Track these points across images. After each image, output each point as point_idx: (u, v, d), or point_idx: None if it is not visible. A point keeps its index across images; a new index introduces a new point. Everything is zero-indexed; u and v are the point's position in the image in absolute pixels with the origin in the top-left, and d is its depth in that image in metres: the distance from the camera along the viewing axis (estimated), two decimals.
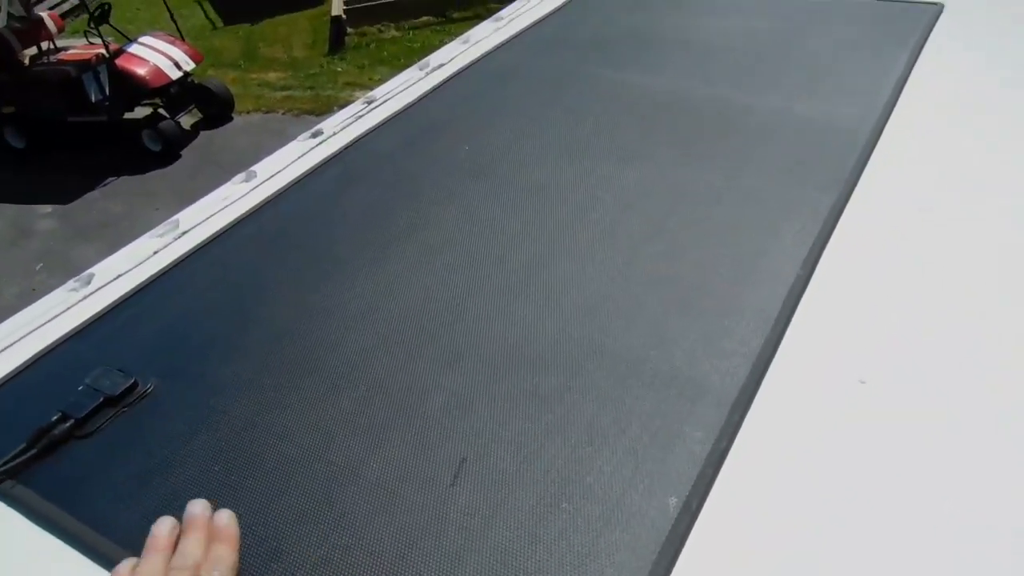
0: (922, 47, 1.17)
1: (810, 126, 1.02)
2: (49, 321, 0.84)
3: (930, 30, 1.22)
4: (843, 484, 0.58)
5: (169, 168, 6.20)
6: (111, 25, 6.16)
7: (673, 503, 0.58)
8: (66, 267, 5.16)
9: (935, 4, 1.30)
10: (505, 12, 1.53)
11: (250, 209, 0.99)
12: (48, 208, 5.94)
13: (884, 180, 0.90)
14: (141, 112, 6.27)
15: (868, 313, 0.73)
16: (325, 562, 0.56)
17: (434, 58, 1.36)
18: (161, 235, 0.97)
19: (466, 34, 1.45)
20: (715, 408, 0.65)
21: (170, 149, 6.20)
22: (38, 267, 5.27)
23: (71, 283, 0.90)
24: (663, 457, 0.61)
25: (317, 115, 6.70)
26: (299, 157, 1.11)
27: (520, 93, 1.21)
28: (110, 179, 6.16)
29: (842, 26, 1.29)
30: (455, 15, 7.98)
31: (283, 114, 6.87)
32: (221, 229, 0.96)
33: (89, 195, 6.03)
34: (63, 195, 6.02)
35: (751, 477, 0.59)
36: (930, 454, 0.59)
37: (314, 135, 1.16)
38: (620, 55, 1.30)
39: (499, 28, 1.46)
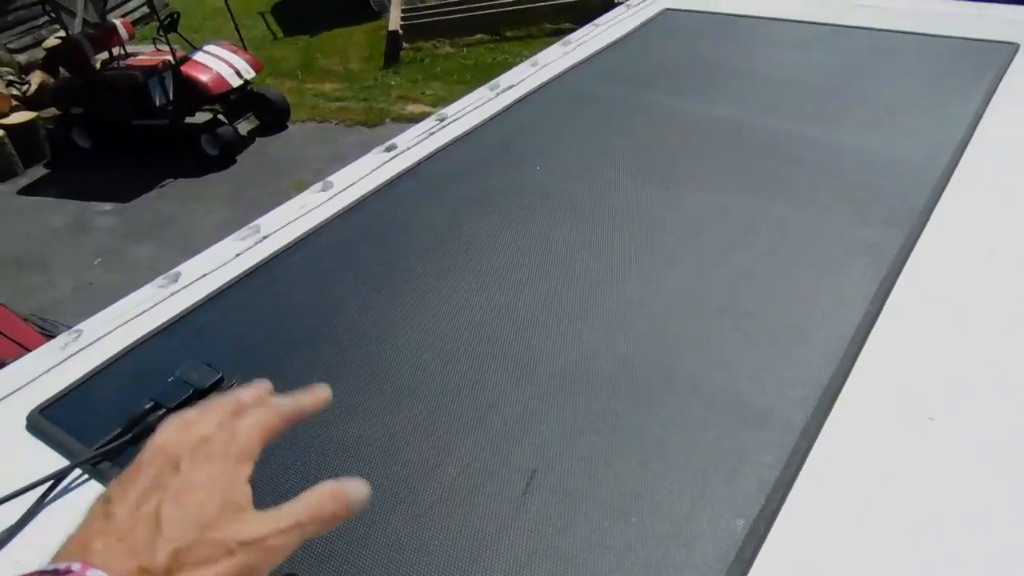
0: (996, 87, 1.17)
1: (879, 163, 1.03)
2: (140, 315, 0.89)
3: (1005, 70, 1.22)
4: (908, 518, 0.59)
5: (224, 172, 6.40)
6: (178, 33, 6.41)
7: (740, 525, 0.59)
8: (123, 263, 5.35)
9: (1011, 44, 1.29)
10: (574, 36, 1.56)
11: (327, 218, 1.03)
12: (108, 206, 6.16)
13: (953, 220, 0.91)
14: (201, 117, 6.48)
15: (936, 351, 0.73)
16: (399, 561, 0.59)
17: (504, 79, 1.40)
18: (243, 238, 1.02)
19: (535, 57, 1.49)
20: (783, 436, 0.66)
21: (227, 154, 6.39)
22: (96, 262, 5.46)
23: (159, 280, 0.95)
24: (731, 480, 0.63)
25: (369, 127, 6.85)
26: (374, 170, 1.15)
27: (588, 117, 1.24)
28: (168, 181, 6.37)
29: (915, 63, 1.29)
30: (508, 34, 8.09)
31: (336, 124, 7.04)
32: (299, 236, 1.00)
33: (147, 195, 6.24)
34: (123, 194, 6.25)
35: (818, 506, 0.60)
36: (997, 493, 0.60)
37: (388, 149, 1.20)
38: (686, 84, 1.32)
39: (567, 52, 1.49)
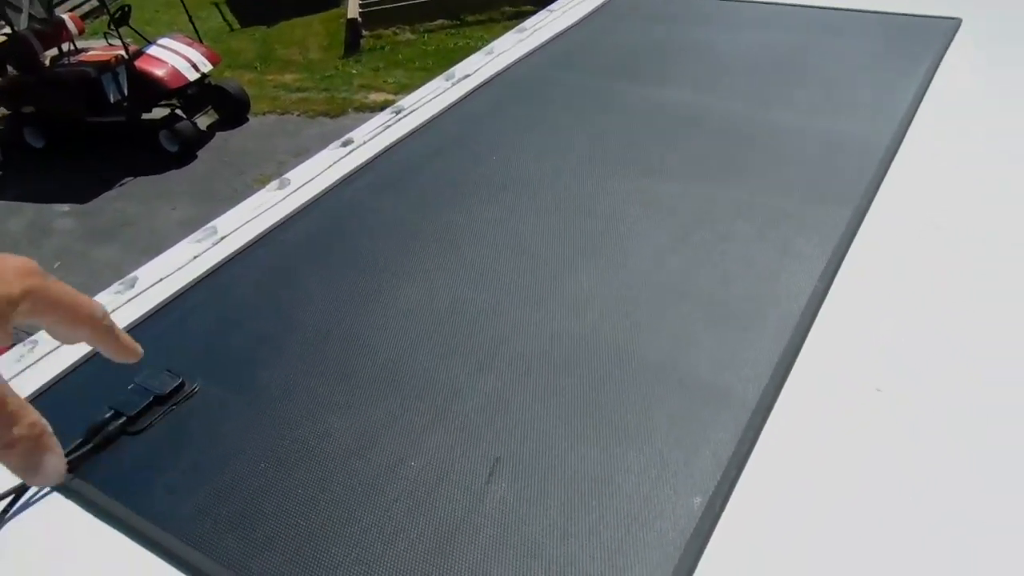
0: (939, 62, 1.20)
1: (827, 142, 1.05)
2: None
3: (947, 45, 1.24)
4: (859, 487, 0.61)
5: (185, 168, 6.29)
6: (130, 27, 6.25)
7: (697, 503, 0.61)
8: (84, 265, 5.25)
9: (952, 19, 1.32)
10: (528, 23, 1.56)
11: (284, 216, 1.03)
12: (66, 207, 6.03)
13: (900, 195, 0.93)
14: (158, 113, 6.35)
15: (884, 325, 0.76)
16: (368, 553, 0.60)
17: (459, 69, 1.40)
18: (199, 240, 1.01)
19: (490, 45, 1.49)
20: (738, 413, 0.68)
21: (187, 150, 6.28)
22: (56, 265, 5.34)
23: (116, 286, 0.94)
24: (688, 459, 0.65)
25: (332, 117, 6.77)
26: (331, 165, 1.14)
27: (544, 105, 1.24)
28: (127, 179, 6.25)
29: (861, 41, 1.31)
30: (469, 18, 8.04)
31: (298, 116, 6.95)
32: (258, 235, 1.00)
33: (106, 194, 6.12)
34: (81, 194, 6.11)
35: (772, 479, 0.63)
36: (943, 460, 0.62)
37: (344, 144, 1.20)
38: (641, 69, 1.33)
39: (522, 39, 1.50)
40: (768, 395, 0.69)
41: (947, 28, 1.30)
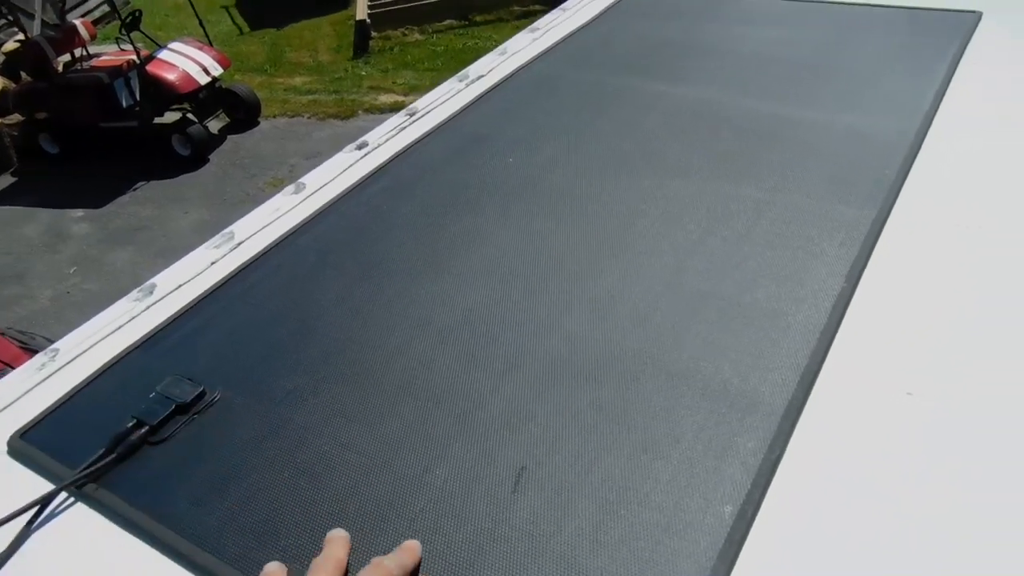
0: (961, 57, 1.18)
1: (850, 139, 1.03)
2: (117, 330, 0.88)
3: (969, 39, 1.23)
4: (893, 494, 0.60)
5: (198, 172, 6.31)
6: (142, 31, 6.28)
7: (728, 511, 0.60)
8: (99, 270, 5.28)
9: (973, 12, 1.30)
10: (541, 22, 1.55)
11: (302, 220, 1.02)
12: (80, 212, 6.07)
13: (925, 193, 0.92)
14: (170, 117, 6.38)
15: (913, 326, 0.74)
16: None
17: (473, 69, 1.39)
18: (217, 246, 1.01)
19: (503, 45, 1.48)
20: (766, 419, 0.67)
21: (198, 153, 6.31)
22: (71, 270, 5.38)
23: (135, 293, 0.94)
24: (717, 467, 0.63)
25: (342, 119, 6.78)
26: (345, 169, 1.14)
27: (559, 105, 1.23)
28: (140, 183, 6.28)
29: (880, 36, 1.29)
30: (478, 18, 8.03)
31: (308, 118, 6.96)
32: (275, 240, 0.99)
33: (120, 199, 6.15)
34: (95, 199, 6.15)
35: (803, 486, 0.61)
36: (979, 466, 0.61)
37: (359, 147, 1.19)
38: (657, 66, 1.32)
39: (536, 39, 1.49)
40: (796, 400, 0.68)
41: (968, 22, 1.28)
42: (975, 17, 1.29)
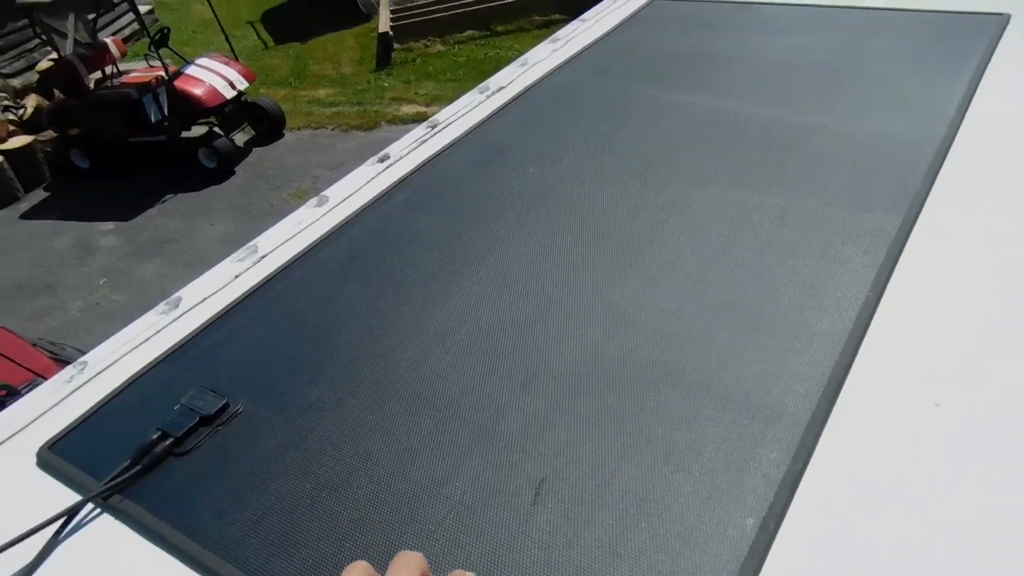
0: (989, 60, 1.16)
1: (875, 145, 1.02)
2: (144, 343, 0.90)
3: (997, 42, 1.20)
4: (918, 506, 0.58)
5: (223, 184, 6.40)
6: (170, 48, 6.41)
7: (750, 524, 0.59)
8: (128, 282, 5.37)
9: (1000, 15, 1.28)
10: (562, 33, 1.56)
11: (325, 234, 1.03)
12: (110, 225, 6.18)
13: (951, 200, 0.90)
14: (197, 131, 6.49)
15: (940, 336, 0.73)
16: None
17: (494, 81, 1.40)
18: (241, 259, 1.02)
19: (523, 56, 1.49)
20: (789, 430, 0.66)
21: (225, 166, 6.40)
22: (101, 282, 5.48)
23: (161, 306, 0.95)
24: (739, 478, 0.63)
25: (365, 130, 6.84)
26: (368, 181, 1.15)
27: (580, 115, 1.23)
28: (168, 196, 6.39)
29: (906, 40, 1.28)
30: (498, 28, 8.06)
31: (332, 130, 7.03)
32: (298, 253, 1.00)
33: (148, 212, 6.26)
34: (124, 213, 6.26)
35: (826, 499, 0.60)
36: (1009, 478, 0.59)
37: (381, 159, 1.20)
38: (677, 76, 1.31)
39: (556, 49, 1.49)
40: (820, 411, 0.67)
41: (995, 24, 1.26)
42: (1003, 19, 1.27)
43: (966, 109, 1.05)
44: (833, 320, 0.76)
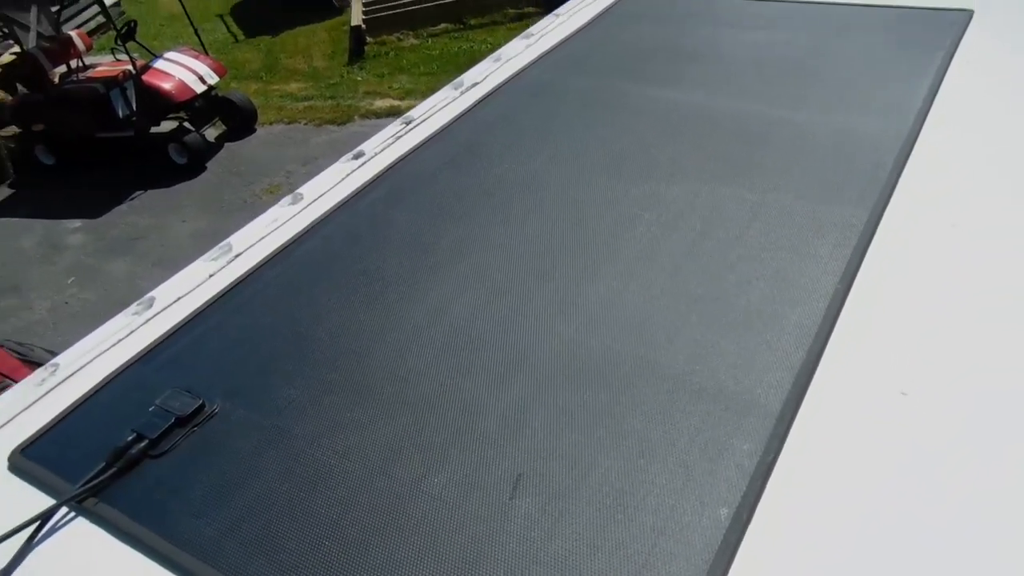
0: (952, 55, 1.18)
1: (843, 139, 1.04)
2: (116, 344, 0.89)
3: (960, 37, 1.23)
4: (888, 493, 0.60)
5: (194, 180, 6.31)
6: (137, 42, 6.28)
7: (724, 514, 0.61)
8: (97, 280, 5.28)
9: (964, 11, 1.31)
10: (535, 28, 1.56)
11: (299, 232, 1.03)
12: (78, 223, 6.06)
13: (917, 193, 0.92)
14: (167, 126, 6.38)
15: (906, 326, 0.75)
16: (396, 574, 0.59)
17: (468, 77, 1.40)
18: (215, 258, 1.01)
19: (497, 52, 1.49)
20: (761, 421, 0.67)
21: (196, 162, 6.31)
22: (69, 281, 5.38)
23: (134, 307, 0.94)
24: (712, 469, 0.64)
25: (338, 124, 6.78)
26: (343, 178, 1.14)
27: (554, 110, 1.24)
28: (137, 193, 6.28)
29: (872, 36, 1.30)
30: (472, 21, 8.03)
31: (305, 124, 6.96)
32: (273, 252, 1.00)
33: (117, 208, 6.14)
34: (92, 209, 6.14)
35: (798, 487, 0.62)
36: (973, 464, 0.61)
37: (356, 156, 1.20)
38: (649, 71, 1.32)
39: (530, 45, 1.49)
40: (791, 402, 0.69)
41: (959, 20, 1.29)
42: (966, 15, 1.30)
43: (931, 103, 1.08)
44: (803, 312, 0.78)
